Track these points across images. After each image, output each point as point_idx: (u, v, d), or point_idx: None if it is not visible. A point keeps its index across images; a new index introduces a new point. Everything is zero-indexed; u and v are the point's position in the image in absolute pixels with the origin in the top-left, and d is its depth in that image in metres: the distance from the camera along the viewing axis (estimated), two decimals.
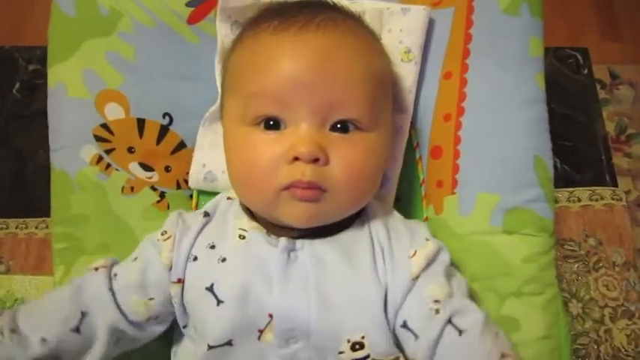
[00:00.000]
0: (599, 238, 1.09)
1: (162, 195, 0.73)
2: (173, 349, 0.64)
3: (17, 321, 0.54)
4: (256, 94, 0.57)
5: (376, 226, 0.62)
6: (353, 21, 0.63)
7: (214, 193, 0.71)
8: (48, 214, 0.71)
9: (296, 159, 0.55)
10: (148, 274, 0.59)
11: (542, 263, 0.65)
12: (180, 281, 0.59)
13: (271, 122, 0.57)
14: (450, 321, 0.53)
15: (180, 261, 0.59)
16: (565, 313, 0.66)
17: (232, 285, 0.56)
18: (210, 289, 0.56)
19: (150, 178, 0.73)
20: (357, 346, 0.55)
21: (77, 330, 0.55)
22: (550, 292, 0.64)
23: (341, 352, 0.55)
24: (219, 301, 0.56)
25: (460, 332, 0.53)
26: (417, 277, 0.57)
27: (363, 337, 0.55)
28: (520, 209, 0.66)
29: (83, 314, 0.56)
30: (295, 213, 0.57)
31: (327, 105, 0.56)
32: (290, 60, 0.56)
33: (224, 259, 0.58)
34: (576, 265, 1.06)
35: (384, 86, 0.64)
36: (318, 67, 0.56)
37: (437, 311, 0.55)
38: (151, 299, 0.59)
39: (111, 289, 0.58)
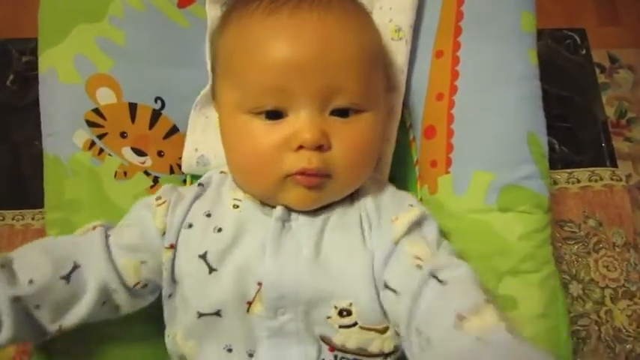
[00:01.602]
0: (598, 218, 1.08)
1: (155, 180, 0.73)
2: (167, 332, 0.63)
3: (12, 258, 0.54)
4: (254, 83, 0.57)
5: (365, 201, 0.63)
6: None
7: None
8: (44, 205, 0.70)
9: (301, 147, 0.55)
10: (142, 237, 0.59)
11: (538, 241, 0.65)
12: (173, 247, 0.59)
13: (272, 113, 0.57)
14: (433, 275, 0.52)
15: (174, 227, 0.59)
16: (563, 291, 0.65)
17: (224, 253, 0.57)
18: (204, 256, 0.57)
19: (143, 162, 0.73)
20: (344, 312, 0.56)
21: (67, 279, 0.54)
22: (547, 269, 0.64)
23: (328, 317, 0.56)
24: (211, 269, 0.56)
25: (443, 283, 0.51)
26: (398, 240, 0.57)
27: (350, 305, 0.56)
28: (515, 186, 0.66)
29: (75, 265, 0.55)
30: (299, 198, 0.58)
31: (326, 90, 0.56)
32: (287, 47, 0.56)
33: (220, 229, 0.58)
34: (576, 247, 1.05)
35: (378, 62, 0.64)
36: (316, 53, 0.55)
37: (419, 267, 0.54)
38: (142, 262, 0.59)
39: (107, 246, 0.58)
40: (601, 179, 1.11)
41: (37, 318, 0.53)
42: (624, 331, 0.98)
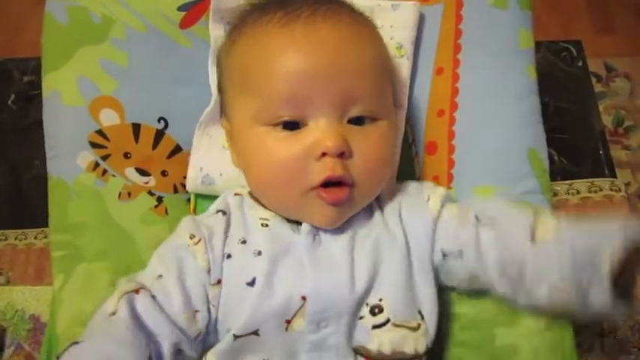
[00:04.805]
0: None
1: (159, 199, 0.73)
2: None
3: None
4: (272, 93, 0.57)
5: (385, 201, 0.64)
6: (352, 10, 0.63)
7: (212, 196, 0.71)
8: (47, 225, 0.70)
9: (323, 155, 0.55)
10: (187, 286, 0.56)
11: None
12: (220, 282, 0.57)
13: (290, 124, 0.57)
14: (477, 217, 0.59)
15: (218, 261, 0.58)
16: None
17: (271, 275, 0.56)
18: (252, 283, 0.56)
19: (147, 183, 0.73)
20: (375, 309, 0.56)
21: None
22: None
23: (361, 317, 0.56)
24: (259, 292, 0.55)
25: (492, 219, 0.58)
26: (438, 216, 0.61)
27: (380, 300, 0.56)
28: (516, 202, 0.65)
29: (151, 344, 0.52)
30: (324, 216, 0.58)
31: (344, 97, 0.56)
32: (304, 55, 0.56)
33: (260, 252, 0.58)
34: None
35: (388, 72, 0.65)
36: (333, 60, 0.56)
37: (463, 221, 0.60)
38: (197, 312, 0.56)
39: (163, 312, 0.54)
40: (600, 190, 1.12)
41: None
42: (628, 342, 0.98)
